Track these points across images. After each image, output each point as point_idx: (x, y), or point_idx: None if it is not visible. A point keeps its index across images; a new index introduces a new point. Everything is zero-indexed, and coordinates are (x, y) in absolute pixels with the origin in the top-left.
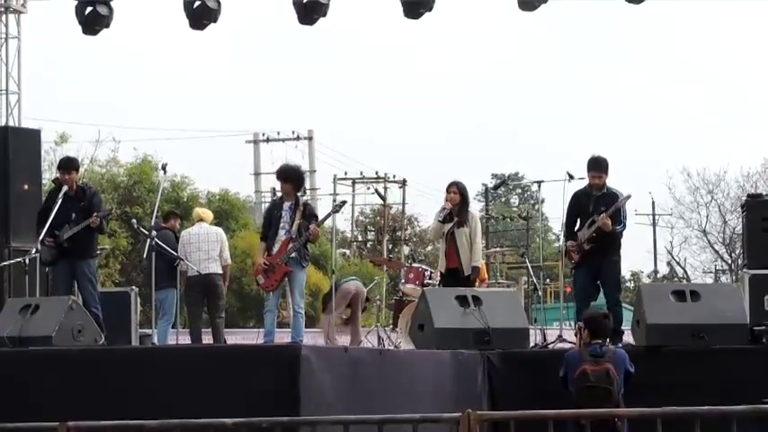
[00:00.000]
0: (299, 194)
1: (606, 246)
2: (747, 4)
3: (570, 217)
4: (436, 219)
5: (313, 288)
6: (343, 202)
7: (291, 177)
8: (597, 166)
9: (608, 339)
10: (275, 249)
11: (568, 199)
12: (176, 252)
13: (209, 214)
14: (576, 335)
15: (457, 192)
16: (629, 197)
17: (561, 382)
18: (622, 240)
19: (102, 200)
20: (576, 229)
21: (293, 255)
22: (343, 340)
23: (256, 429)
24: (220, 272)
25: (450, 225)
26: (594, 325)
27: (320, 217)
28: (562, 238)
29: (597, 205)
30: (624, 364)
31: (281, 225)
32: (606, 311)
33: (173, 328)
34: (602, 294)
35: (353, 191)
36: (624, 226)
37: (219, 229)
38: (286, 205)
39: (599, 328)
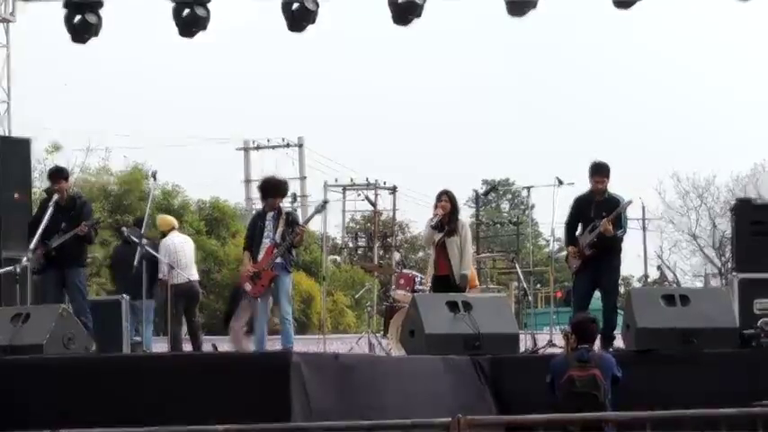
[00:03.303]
0: (281, 206)
1: (607, 251)
2: (736, 10)
3: (571, 222)
4: (428, 226)
5: (305, 295)
6: (325, 202)
7: (277, 192)
8: (600, 170)
9: (594, 344)
10: (260, 257)
11: (568, 203)
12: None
13: (175, 222)
14: (564, 339)
15: (447, 201)
16: (629, 202)
17: (548, 389)
18: (622, 246)
19: (93, 209)
20: (578, 234)
21: (278, 260)
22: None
23: None
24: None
25: (441, 234)
26: (582, 330)
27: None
28: (553, 242)
29: (598, 210)
30: (611, 369)
31: (265, 234)
32: (593, 316)
33: (156, 335)
34: (594, 299)
35: (344, 197)
36: (625, 231)
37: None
38: (269, 215)
39: (586, 333)
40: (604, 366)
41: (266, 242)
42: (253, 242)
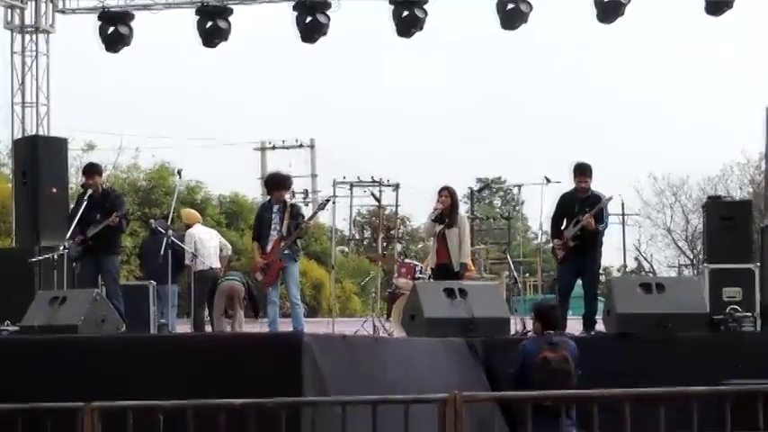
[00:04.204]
0: (286, 198)
1: (589, 244)
2: (708, 24)
3: (556, 217)
4: (429, 219)
5: (316, 282)
6: (327, 200)
7: (282, 185)
8: (583, 171)
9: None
10: (269, 248)
11: (555, 200)
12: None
13: (199, 216)
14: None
15: (448, 195)
16: (610, 199)
17: (517, 369)
18: (603, 239)
19: (125, 202)
20: (563, 228)
21: (286, 251)
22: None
23: (263, 409)
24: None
25: (441, 226)
26: (546, 316)
27: (308, 215)
28: (541, 235)
29: (582, 207)
30: (576, 354)
31: (272, 226)
32: (555, 303)
33: (179, 317)
34: (577, 286)
35: (351, 194)
36: (606, 225)
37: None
38: (275, 208)
39: (551, 319)
40: (570, 350)
41: (273, 234)
42: (261, 233)
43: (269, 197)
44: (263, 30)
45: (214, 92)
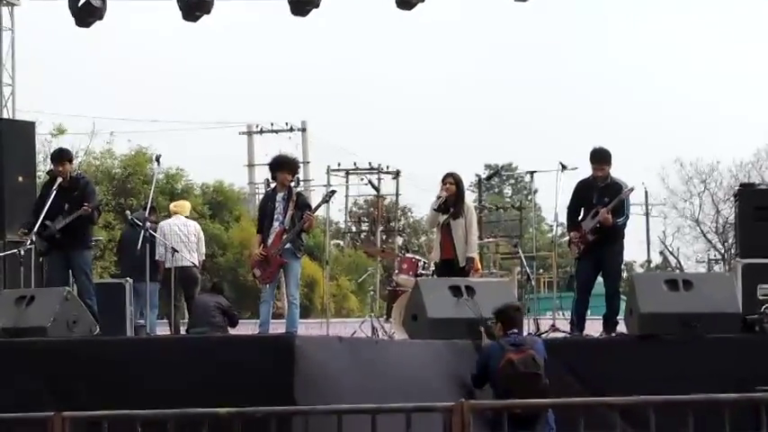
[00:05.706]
0: (292, 185)
1: (609, 237)
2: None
3: (573, 207)
4: (432, 209)
5: (308, 279)
6: (333, 192)
7: (286, 166)
8: (600, 158)
9: (522, 330)
10: (270, 241)
11: (571, 188)
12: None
13: (186, 207)
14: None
15: (453, 183)
16: (632, 189)
17: (478, 375)
18: (626, 231)
19: (96, 190)
20: (580, 219)
21: (287, 246)
22: None
23: (250, 420)
24: (197, 263)
25: (445, 216)
26: (506, 317)
27: (312, 206)
28: (556, 227)
29: (601, 195)
30: (543, 352)
31: (275, 217)
32: (518, 305)
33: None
34: (598, 283)
35: (347, 182)
36: (627, 218)
37: (197, 224)
38: (279, 196)
39: (512, 320)
40: (537, 349)
41: (276, 225)
42: (264, 225)
43: (273, 185)
44: (250, 4)
45: (196, 71)
